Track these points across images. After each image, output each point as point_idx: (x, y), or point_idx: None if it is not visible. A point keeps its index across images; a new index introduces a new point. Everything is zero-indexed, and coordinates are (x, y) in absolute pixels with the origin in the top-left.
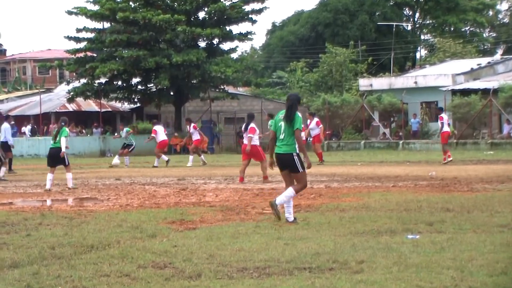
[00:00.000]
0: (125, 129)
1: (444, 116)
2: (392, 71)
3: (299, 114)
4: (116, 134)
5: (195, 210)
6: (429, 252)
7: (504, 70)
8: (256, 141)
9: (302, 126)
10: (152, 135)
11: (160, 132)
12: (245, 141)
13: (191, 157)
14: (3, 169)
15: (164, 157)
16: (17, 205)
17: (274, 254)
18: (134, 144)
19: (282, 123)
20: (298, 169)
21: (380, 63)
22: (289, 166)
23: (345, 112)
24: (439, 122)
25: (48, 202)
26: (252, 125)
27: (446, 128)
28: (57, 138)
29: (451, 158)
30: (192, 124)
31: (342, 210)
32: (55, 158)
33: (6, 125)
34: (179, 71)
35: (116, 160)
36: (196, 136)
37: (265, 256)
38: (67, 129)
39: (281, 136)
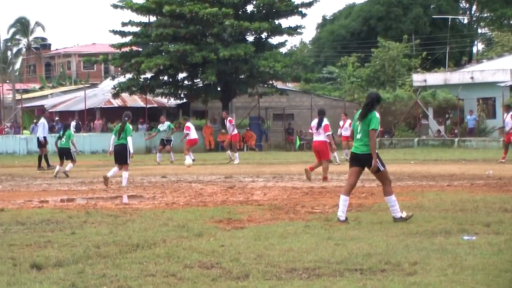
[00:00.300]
0: (166, 123)
1: None
2: (447, 66)
3: (376, 114)
4: (152, 132)
5: (242, 208)
6: (486, 254)
7: None
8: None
9: (379, 127)
10: (186, 131)
11: (193, 129)
12: (317, 137)
13: (236, 155)
14: (70, 165)
15: (191, 156)
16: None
17: (324, 254)
18: (172, 139)
19: (359, 123)
20: (379, 169)
21: (434, 57)
22: (368, 166)
23: (398, 108)
24: (508, 119)
25: (124, 200)
26: (326, 121)
27: None
28: (121, 135)
29: (504, 160)
30: (228, 118)
31: None
32: (117, 155)
33: (42, 120)
34: (227, 66)
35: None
36: (233, 131)
37: (315, 257)
38: (130, 126)
39: (358, 136)
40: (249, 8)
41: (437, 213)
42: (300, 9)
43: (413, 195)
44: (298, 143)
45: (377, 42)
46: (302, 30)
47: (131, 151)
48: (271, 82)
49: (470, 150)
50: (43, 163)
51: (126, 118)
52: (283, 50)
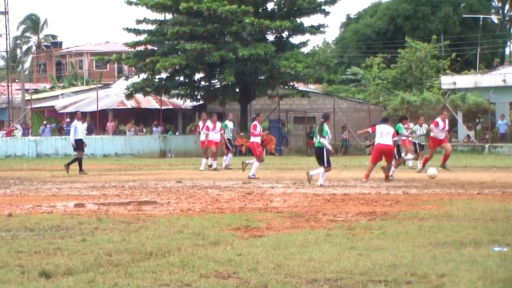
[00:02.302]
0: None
1: None
2: (478, 68)
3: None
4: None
5: (261, 216)
6: None
7: None
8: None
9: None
10: (205, 131)
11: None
12: (382, 141)
13: (206, 160)
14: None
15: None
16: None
17: (347, 265)
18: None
19: None
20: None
21: (465, 59)
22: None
23: (426, 112)
24: None
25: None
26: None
27: None
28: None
29: None
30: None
31: (422, 218)
32: (316, 157)
33: (74, 123)
34: (246, 66)
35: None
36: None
37: (337, 267)
38: (326, 127)
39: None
40: (270, 5)
41: (467, 223)
42: (323, 7)
43: (441, 203)
44: None
45: (404, 42)
46: (325, 29)
47: (328, 147)
48: (292, 84)
49: (501, 156)
50: (74, 165)
51: (323, 120)
52: (305, 50)
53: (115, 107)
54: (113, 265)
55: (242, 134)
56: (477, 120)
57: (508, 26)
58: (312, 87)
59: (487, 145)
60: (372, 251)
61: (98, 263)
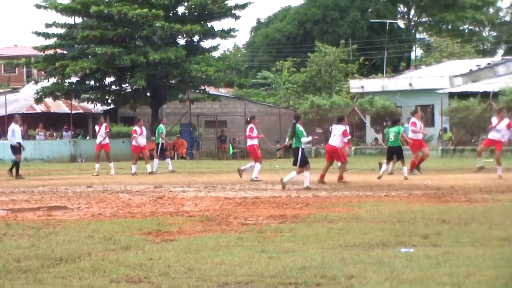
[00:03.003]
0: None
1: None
2: (385, 72)
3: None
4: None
5: (172, 220)
6: (423, 267)
7: (505, 72)
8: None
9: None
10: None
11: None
12: (329, 142)
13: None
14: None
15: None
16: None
17: (258, 268)
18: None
19: None
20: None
21: (372, 63)
22: None
23: (335, 115)
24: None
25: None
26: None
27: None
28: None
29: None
30: (104, 124)
31: (331, 221)
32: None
33: (12, 126)
34: (157, 70)
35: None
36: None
37: (248, 270)
38: (300, 127)
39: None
40: (181, 10)
41: (374, 225)
42: (233, 11)
43: (350, 206)
44: (231, 151)
45: (314, 46)
46: (236, 33)
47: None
48: (203, 88)
49: (408, 159)
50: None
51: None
52: (216, 54)
53: (24, 112)
54: (22, 271)
55: (154, 138)
56: (384, 123)
57: (413, 31)
58: (223, 91)
59: None
60: (283, 254)
61: (7, 269)
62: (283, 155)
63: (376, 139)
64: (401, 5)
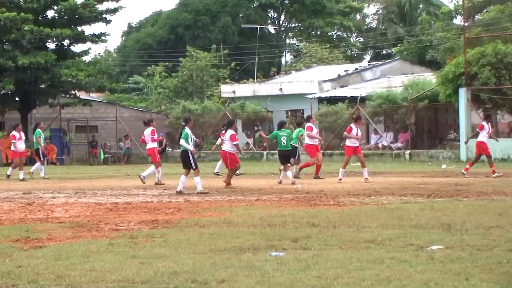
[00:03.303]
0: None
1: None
2: (256, 77)
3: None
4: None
5: (42, 226)
6: (293, 270)
7: (372, 77)
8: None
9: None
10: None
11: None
12: (224, 148)
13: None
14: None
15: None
16: None
17: (129, 274)
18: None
19: None
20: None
21: (243, 68)
22: None
23: (207, 120)
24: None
25: None
26: (231, 132)
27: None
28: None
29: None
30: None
31: (203, 225)
32: (182, 161)
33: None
34: (26, 74)
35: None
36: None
37: (119, 276)
38: (187, 129)
39: None
40: (50, 13)
41: (246, 229)
42: (104, 16)
43: (222, 210)
44: (102, 156)
45: (185, 51)
46: (107, 37)
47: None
48: (73, 92)
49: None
50: None
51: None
52: (87, 58)
53: None
54: None
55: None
56: (256, 128)
57: (283, 36)
58: (94, 96)
59: (265, 152)
60: (154, 259)
61: None
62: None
63: (247, 143)
64: (271, 11)
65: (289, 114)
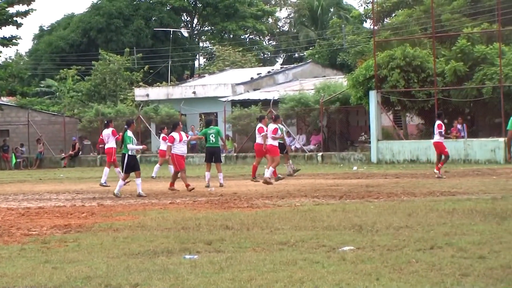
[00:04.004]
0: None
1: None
2: (170, 80)
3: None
4: None
5: None
6: (207, 272)
7: (284, 80)
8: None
9: None
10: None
11: None
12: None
13: None
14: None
15: None
16: None
17: (41, 279)
18: None
19: None
20: None
21: (157, 71)
22: None
23: (120, 124)
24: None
25: None
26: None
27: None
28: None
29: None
30: None
31: (116, 229)
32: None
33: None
34: None
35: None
36: None
37: (31, 282)
38: (129, 133)
39: None
40: None
41: (160, 232)
42: (15, 19)
43: (135, 214)
44: (14, 160)
45: (98, 54)
46: (18, 40)
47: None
48: None
49: (192, 166)
50: None
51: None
52: None
53: None
54: None
55: None
56: (168, 131)
57: (197, 40)
58: (5, 100)
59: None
60: (67, 264)
61: None
62: (68, 164)
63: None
64: (184, 14)
65: (203, 117)
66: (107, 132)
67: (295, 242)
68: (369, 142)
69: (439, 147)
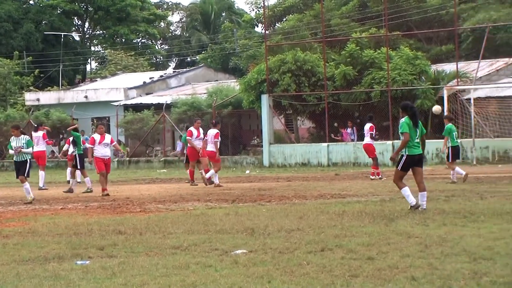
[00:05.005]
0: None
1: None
2: (61, 85)
3: None
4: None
5: None
6: (99, 278)
7: (177, 84)
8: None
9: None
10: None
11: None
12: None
13: None
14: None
15: None
16: None
17: None
18: None
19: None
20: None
21: (47, 75)
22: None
23: (9, 129)
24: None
25: None
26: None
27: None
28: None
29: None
30: None
31: (6, 236)
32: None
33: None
34: None
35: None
36: None
37: None
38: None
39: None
40: None
41: (51, 238)
42: None
43: (26, 220)
44: None
45: None
46: None
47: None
48: None
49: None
50: None
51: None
52: None
53: None
54: None
55: None
56: (61, 136)
57: (88, 44)
58: None
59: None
60: None
61: None
62: None
63: (52, 151)
64: (75, 18)
65: (95, 121)
66: (38, 135)
67: (188, 246)
68: (261, 146)
69: (368, 149)
